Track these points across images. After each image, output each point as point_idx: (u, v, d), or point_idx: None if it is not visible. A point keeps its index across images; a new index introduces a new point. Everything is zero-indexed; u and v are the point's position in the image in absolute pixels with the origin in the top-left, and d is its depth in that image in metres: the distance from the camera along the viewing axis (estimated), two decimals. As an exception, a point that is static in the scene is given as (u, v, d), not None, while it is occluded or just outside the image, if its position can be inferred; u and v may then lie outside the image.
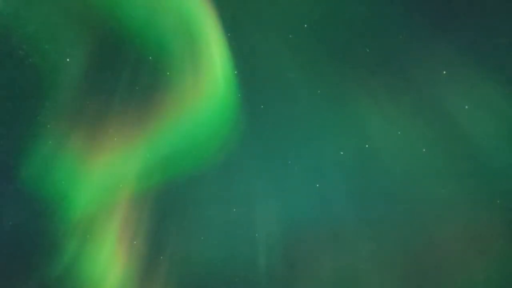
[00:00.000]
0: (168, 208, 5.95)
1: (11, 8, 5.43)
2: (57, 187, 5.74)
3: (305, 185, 5.99)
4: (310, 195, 5.97)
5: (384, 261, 5.75)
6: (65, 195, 5.74)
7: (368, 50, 5.79)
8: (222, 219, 5.99)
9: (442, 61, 5.70)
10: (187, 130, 5.98)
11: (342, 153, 5.93)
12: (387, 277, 5.70)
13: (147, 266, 5.82)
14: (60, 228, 5.72)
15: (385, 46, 5.81)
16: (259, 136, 6.00)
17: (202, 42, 5.88)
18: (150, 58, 5.84)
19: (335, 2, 5.70)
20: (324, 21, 5.80)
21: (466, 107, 5.67)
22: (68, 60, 5.64)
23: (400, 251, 5.69)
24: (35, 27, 5.54)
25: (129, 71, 5.88)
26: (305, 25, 5.79)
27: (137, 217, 5.85)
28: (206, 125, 5.99)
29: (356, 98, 5.87)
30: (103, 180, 5.79)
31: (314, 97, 5.92)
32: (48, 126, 5.63)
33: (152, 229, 5.88)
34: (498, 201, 5.53)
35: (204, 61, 5.89)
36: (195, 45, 5.87)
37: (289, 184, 6.02)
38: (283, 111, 5.97)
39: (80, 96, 5.73)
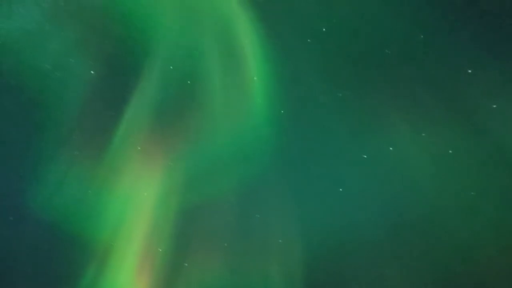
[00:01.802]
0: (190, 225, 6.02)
1: (37, 25, 5.65)
2: (80, 209, 5.89)
3: (327, 190, 5.93)
4: (333, 200, 5.90)
5: (410, 265, 5.62)
6: (88, 217, 5.90)
7: (388, 52, 5.70)
8: (245, 225, 5.99)
9: (466, 59, 5.55)
10: (211, 146, 6.04)
11: (365, 156, 5.84)
12: (414, 282, 5.57)
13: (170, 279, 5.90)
14: (81, 251, 5.85)
15: (406, 47, 5.70)
16: (280, 142, 5.99)
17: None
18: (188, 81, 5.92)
19: (352, 4, 5.64)
20: (342, 24, 5.75)
21: (494, 106, 5.49)
22: (92, 72, 5.80)
23: (427, 255, 5.55)
24: (60, 42, 5.72)
25: (157, 84, 5.99)
26: (324, 29, 5.75)
27: (158, 238, 5.94)
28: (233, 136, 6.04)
29: (378, 100, 5.79)
30: (126, 200, 5.92)
31: (335, 101, 5.86)
32: (73, 138, 5.79)
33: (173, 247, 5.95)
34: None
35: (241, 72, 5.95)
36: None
37: (311, 189, 5.97)
38: (304, 116, 5.93)
39: (105, 108, 5.87)
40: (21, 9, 5.64)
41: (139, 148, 5.94)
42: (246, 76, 5.95)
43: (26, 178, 5.78)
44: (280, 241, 5.97)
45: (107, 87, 5.93)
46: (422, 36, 5.60)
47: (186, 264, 5.98)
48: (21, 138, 5.77)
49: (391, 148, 5.77)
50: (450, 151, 5.64)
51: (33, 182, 5.77)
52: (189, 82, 5.90)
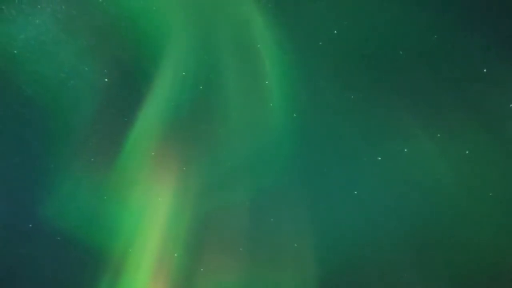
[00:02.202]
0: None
1: (52, 35, 5.76)
2: (97, 215, 5.95)
3: (342, 193, 5.89)
4: (348, 203, 5.86)
5: (428, 268, 5.54)
6: (104, 223, 5.96)
7: (402, 53, 5.66)
8: (260, 229, 5.99)
9: (481, 59, 5.47)
10: (225, 151, 6.06)
11: (379, 158, 5.79)
12: (434, 286, 5.49)
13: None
14: (98, 257, 5.91)
15: (420, 47, 5.65)
16: (293, 145, 5.98)
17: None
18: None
19: (364, 6, 5.62)
20: (354, 26, 5.73)
21: (511, 105, 5.41)
22: (106, 80, 5.88)
23: (445, 257, 5.46)
24: (74, 51, 5.82)
25: (170, 90, 6.04)
26: (335, 31, 5.74)
27: (173, 243, 5.97)
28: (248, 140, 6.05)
29: (391, 102, 5.74)
30: (141, 206, 5.97)
31: (347, 103, 5.84)
32: (89, 145, 5.88)
33: (189, 252, 5.97)
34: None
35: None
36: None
37: (326, 192, 5.94)
38: (316, 119, 5.92)
39: (119, 115, 5.95)
40: (36, 20, 5.76)
41: (153, 153, 5.99)
42: (258, 81, 5.97)
43: (42, 185, 5.86)
44: (295, 245, 5.94)
45: (121, 94, 6.00)
46: (435, 36, 5.55)
47: (202, 269, 5.99)
48: (37, 145, 5.87)
49: (405, 150, 5.71)
50: (467, 152, 5.56)
51: (49, 190, 5.85)
52: (201, 87, 5.94)
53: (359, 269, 5.68)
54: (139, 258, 5.95)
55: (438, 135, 5.64)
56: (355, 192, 5.86)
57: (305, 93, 5.89)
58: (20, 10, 5.73)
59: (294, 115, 5.91)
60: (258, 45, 5.88)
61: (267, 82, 5.91)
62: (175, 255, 5.97)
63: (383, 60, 5.70)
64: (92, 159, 5.88)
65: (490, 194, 5.51)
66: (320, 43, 5.79)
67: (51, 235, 5.85)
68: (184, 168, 6.01)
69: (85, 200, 5.88)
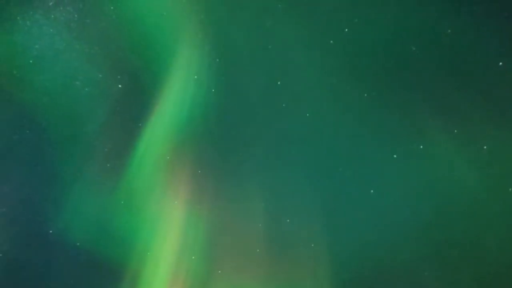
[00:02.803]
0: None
1: (66, 43, 5.86)
2: (114, 219, 6.03)
3: (358, 192, 5.84)
4: (364, 202, 5.81)
5: (449, 268, 5.45)
6: (122, 226, 6.03)
7: (414, 48, 5.58)
8: (277, 230, 5.97)
9: (496, 52, 5.36)
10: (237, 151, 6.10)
11: (395, 156, 5.72)
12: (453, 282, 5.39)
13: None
14: (116, 262, 5.98)
15: (433, 42, 5.56)
16: (308, 144, 5.96)
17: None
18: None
19: (373, 3, 5.56)
20: (365, 23, 5.68)
21: (528, 98, 5.30)
22: (120, 86, 5.96)
23: (467, 256, 5.36)
24: (88, 59, 5.92)
25: (184, 95, 6.10)
26: (346, 29, 5.70)
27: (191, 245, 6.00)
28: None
29: (406, 98, 5.67)
30: (157, 210, 6.03)
31: (360, 101, 5.78)
32: (105, 151, 5.96)
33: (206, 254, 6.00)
34: None
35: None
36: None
37: (342, 191, 5.89)
38: (329, 118, 5.88)
39: (133, 120, 6.02)
40: (51, 30, 5.87)
41: (168, 157, 6.04)
42: (271, 81, 5.98)
43: (58, 192, 5.96)
44: (312, 245, 5.91)
45: (135, 99, 6.07)
46: (449, 31, 5.46)
47: (219, 271, 6.01)
48: (53, 152, 5.98)
49: (421, 147, 5.63)
50: (485, 147, 5.45)
51: (65, 196, 5.95)
52: (213, 90, 5.97)
53: (377, 268, 5.61)
54: (157, 260, 6.00)
55: (455, 130, 5.54)
56: (371, 191, 5.80)
57: (318, 92, 5.86)
58: (34, 21, 5.85)
59: (307, 114, 5.89)
60: (270, 46, 5.88)
61: (279, 83, 5.91)
62: (193, 257, 6.01)
63: (395, 57, 5.64)
64: (108, 165, 5.96)
65: (510, 189, 5.39)
66: (331, 41, 5.76)
67: (69, 241, 5.94)
68: (199, 171, 6.05)
69: (102, 205, 5.95)
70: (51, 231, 5.98)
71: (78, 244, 5.99)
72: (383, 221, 5.71)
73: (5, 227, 5.92)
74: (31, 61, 5.83)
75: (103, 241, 5.98)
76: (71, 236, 5.97)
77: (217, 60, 5.97)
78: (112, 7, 5.94)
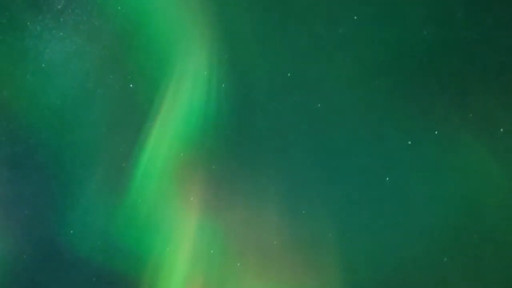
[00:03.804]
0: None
1: (76, 46, 5.93)
2: (134, 214, 6.12)
3: (374, 180, 5.81)
4: (380, 190, 5.77)
5: (472, 264, 5.36)
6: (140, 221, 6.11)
7: (426, 33, 5.48)
8: (293, 222, 5.99)
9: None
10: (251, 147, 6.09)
11: (409, 142, 5.66)
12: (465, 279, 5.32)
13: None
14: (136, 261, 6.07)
15: (446, 26, 5.45)
16: (321, 135, 5.93)
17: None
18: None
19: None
20: (375, 9, 5.59)
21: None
22: (131, 85, 6.01)
23: (485, 252, 5.29)
24: (99, 60, 5.98)
25: (194, 92, 6.12)
26: (355, 17, 5.62)
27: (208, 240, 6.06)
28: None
29: (418, 84, 5.59)
30: (173, 206, 6.10)
31: (372, 88, 5.72)
32: (119, 151, 6.04)
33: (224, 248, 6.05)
34: None
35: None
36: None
37: (357, 180, 5.87)
38: (342, 106, 5.83)
39: (146, 119, 6.08)
40: (60, 33, 5.93)
41: (182, 154, 6.09)
42: (281, 74, 5.95)
43: (73, 193, 6.05)
44: (329, 235, 5.92)
45: (146, 98, 6.12)
46: (459, 14, 5.34)
47: (238, 264, 6.07)
48: (67, 155, 6.07)
49: (436, 132, 5.55)
50: (501, 130, 5.35)
51: (80, 197, 6.05)
52: (223, 85, 5.97)
53: (393, 257, 5.59)
54: (175, 255, 6.08)
55: (470, 115, 5.44)
56: (387, 179, 5.76)
57: (328, 82, 5.82)
58: (44, 25, 5.92)
59: (319, 105, 5.86)
60: (278, 38, 5.85)
61: (289, 75, 5.88)
62: (211, 251, 6.08)
63: (407, 43, 5.54)
64: (124, 165, 6.04)
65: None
66: (340, 30, 5.69)
67: (79, 249, 6.03)
68: (214, 166, 6.09)
69: (118, 205, 6.05)
70: (58, 239, 6.06)
71: (89, 251, 6.09)
72: (399, 208, 5.68)
73: (11, 236, 6.00)
74: (43, 65, 5.92)
75: (120, 237, 6.09)
76: (80, 243, 6.09)
77: (226, 55, 5.97)
78: (119, 7, 5.97)
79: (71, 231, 6.03)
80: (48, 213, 6.08)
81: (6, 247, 5.96)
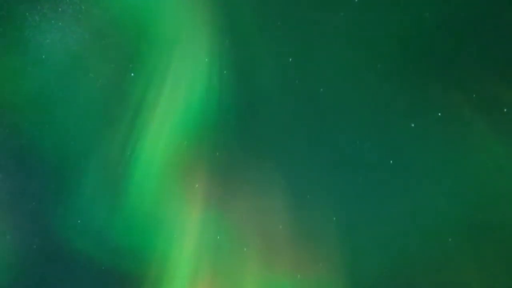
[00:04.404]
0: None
1: (76, 36, 5.90)
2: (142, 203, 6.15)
3: (378, 164, 5.82)
4: (384, 173, 5.79)
5: (485, 257, 5.36)
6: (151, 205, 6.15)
7: (428, 15, 5.42)
8: (297, 206, 6.03)
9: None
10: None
11: (412, 125, 5.64)
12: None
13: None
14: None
15: (447, 8, 5.38)
16: (323, 119, 5.93)
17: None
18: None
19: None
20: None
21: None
22: (132, 74, 6.00)
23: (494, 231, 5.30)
24: (100, 50, 5.95)
25: (196, 78, 6.10)
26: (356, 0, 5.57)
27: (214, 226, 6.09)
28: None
29: (421, 66, 5.56)
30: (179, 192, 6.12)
31: (375, 71, 5.69)
32: (124, 140, 6.05)
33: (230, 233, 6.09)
34: None
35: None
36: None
37: (361, 164, 5.88)
38: (344, 91, 5.81)
39: (148, 107, 6.08)
40: (59, 23, 5.89)
41: (185, 143, 6.10)
42: (283, 59, 5.93)
43: (67, 196, 6.06)
44: (334, 218, 5.95)
45: (148, 86, 6.10)
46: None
47: (244, 249, 6.12)
48: (72, 146, 6.08)
49: (439, 114, 5.53)
50: (505, 110, 5.33)
51: (85, 193, 6.07)
52: (225, 72, 5.95)
53: (398, 240, 5.62)
54: (182, 242, 6.13)
55: (473, 95, 5.42)
56: (391, 162, 5.77)
57: (330, 66, 5.79)
58: (43, 15, 5.88)
59: (321, 89, 5.84)
60: (279, 23, 5.80)
61: (290, 59, 5.85)
62: (218, 237, 6.13)
63: (409, 25, 5.50)
64: (127, 154, 6.06)
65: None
66: (342, 13, 5.64)
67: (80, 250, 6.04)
68: (217, 153, 6.10)
69: (123, 195, 6.08)
70: (62, 236, 6.06)
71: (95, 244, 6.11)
72: (404, 191, 5.70)
73: (12, 234, 6.01)
74: (43, 57, 5.90)
75: (131, 227, 6.14)
76: (81, 244, 6.11)
77: (227, 41, 5.93)
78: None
79: (75, 225, 6.07)
80: (49, 210, 6.09)
81: (5, 245, 5.98)
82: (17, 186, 6.03)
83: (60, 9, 5.85)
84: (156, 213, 6.10)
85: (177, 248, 6.04)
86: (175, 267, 6.01)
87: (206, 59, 5.96)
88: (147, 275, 6.00)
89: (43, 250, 6.08)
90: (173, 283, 5.96)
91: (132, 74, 5.99)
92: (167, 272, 5.99)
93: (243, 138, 6.15)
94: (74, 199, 6.11)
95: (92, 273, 6.07)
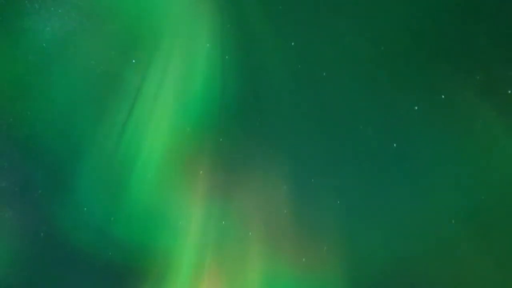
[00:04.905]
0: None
1: (76, 23, 5.85)
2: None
3: (381, 147, 5.82)
4: (388, 156, 5.79)
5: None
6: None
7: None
8: (302, 190, 6.06)
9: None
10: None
11: (416, 108, 5.62)
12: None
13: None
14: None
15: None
16: (326, 102, 5.91)
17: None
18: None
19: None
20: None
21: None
22: (133, 61, 5.97)
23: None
24: (101, 37, 5.91)
25: (198, 64, 6.07)
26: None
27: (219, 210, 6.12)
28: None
29: (424, 47, 5.51)
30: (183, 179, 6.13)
31: (377, 53, 5.65)
32: (123, 128, 6.06)
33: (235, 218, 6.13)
34: None
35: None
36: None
37: (364, 147, 5.88)
38: (346, 74, 5.78)
39: (151, 93, 6.06)
40: (59, 10, 5.84)
41: (188, 129, 6.10)
42: (286, 43, 5.87)
43: (67, 187, 6.07)
44: (338, 202, 5.98)
45: (150, 71, 6.08)
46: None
47: (250, 233, 6.18)
48: (75, 133, 6.08)
49: (443, 96, 5.50)
50: (509, 91, 5.29)
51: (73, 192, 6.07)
52: (227, 57, 5.91)
53: (402, 221, 5.65)
54: (187, 228, 6.19)
55: (477, 77, 5.37)
56: (394, 145, 5.76)
57: (333, 49, 5.75)
58: (42, 2, 5.82)
59: (324, 73, 5.80)
60: (280, 7, 5.74)
61: (292, 43, 5.81)
62: (223, 223, 6.18)
63: (413, 6, 5.42)
64: (132, 139, 6.07)
65: None
66: None
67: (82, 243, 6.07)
68: (221, 139, 6.11)
69: (126, 183, 6.11)
70: (60, 234, 6.07)
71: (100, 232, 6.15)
72: (408, 174, 5.71)
73: (12, 230, 6.03)
74: (44, 45, 5.86)
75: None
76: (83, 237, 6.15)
77: (229, 25, 5.88)
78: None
79: (82, 212, 6.12)
80: (49, 204, 6.11)
81: (5, 244, 6.02)
82: (23, 175, 6.07)
83: (58, -4, 5.81)
84: (161, 198, 6.14)
85: (183, 234, 6.09)
86: (181, 253, 6.07)
87: (208, 44, 5.92)
88: (154, 260, 6.08)
89: (41, 246, 6.11)
90: (180, 269, 6.04)
91: (134, 61, 5.97)
92: (173, 258, 6.06)
93: (246, 122, 6.15)
94: (77, 186, 6.14)
95: (100, 260, 6.15)
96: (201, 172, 6.12)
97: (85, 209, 6.10)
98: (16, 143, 5.98)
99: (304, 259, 5.93)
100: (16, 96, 5.95)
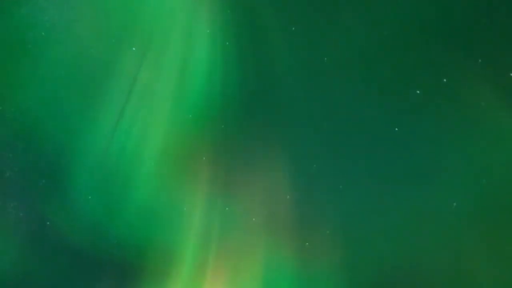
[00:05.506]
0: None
1: (76, 12, 5.80)
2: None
3: (383, 131, 5.82)
4: (390, 141, 5.80)
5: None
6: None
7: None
8: (302, 178, 6.08)
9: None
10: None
11: (418, 92, 5.61)
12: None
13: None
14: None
15: None
16: (328, 88, 5.91)
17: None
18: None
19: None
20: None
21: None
22: (134, 49, 5.93)
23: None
24: (102, 25, 5.87)
25: (197, 50, 6.04)
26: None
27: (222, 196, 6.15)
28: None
29: (425, 31, 5.49)
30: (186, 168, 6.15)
31: (379, 39, 5.62)
32: (128, 117, 6.05)
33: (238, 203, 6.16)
34: None
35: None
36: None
37: (366, 132, 5.89)
38: (347, 58, 5.76)
39: (152, 81, 6.05)
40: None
41: (190, 116, 6.10)
42: (285, 30, 5.85)
43: (68, 179, 6.05)
44: (340, 186, 6.02)
45: (150, 59, 6.05)
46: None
47: (253, 219, 6.22)
48: (76, 122, 6.06)
49: (444, 80, 5.49)
50: (511, 74, 5.28)
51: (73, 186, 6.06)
52: (227, 43, 5.87)
53: (403, 205, 5.69)
54: (191, 214, 6.23)
55: (480, 60, 5.36)
56: (396, 129, 5.77)
57: (333, 35, 5.72)
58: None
59: (325, 59, 5.79)
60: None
61: (293, 28, 5.77)
62: (226, 209, 6.22)
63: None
64: (130, 128, 6.07)
65: None
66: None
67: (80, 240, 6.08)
68: (223, 126, 6.11)
69: (135, 170, 6.13)
70: (60, 230, 6.06)
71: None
72: (410, 158, 5.73)
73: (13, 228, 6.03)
74: (43, 34, 5.82)
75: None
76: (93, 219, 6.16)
77: (229, 10, 5.83)
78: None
79: (87, 201, 6.14)
80: (49, 201, 6.12)
81: (5, 243, 6.03)
82: (27, 164, 6.07)
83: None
84: (161, 191, 6.17)
85: (185, 228, 6.13)
86: (184, 247, 6.12)
87: (208, 30, 5.88)
88: (156, 256, 6.13)
89: (42, 244, 6.12)
90: (183, 263, 6.10)
91: (134, 49, 5.93)
92: (176, 254, 6.11)
93: (249, 109, 6.14)
94: (76, 180, 6.15)
95: (100, 257, 6.18)
96: (204, 158, 6.13)
97: (90, 197, 6.14)
98: (20, 133, 5.97)
99: (307, 243, 5.99)
100: (16, 85, 5.93)
